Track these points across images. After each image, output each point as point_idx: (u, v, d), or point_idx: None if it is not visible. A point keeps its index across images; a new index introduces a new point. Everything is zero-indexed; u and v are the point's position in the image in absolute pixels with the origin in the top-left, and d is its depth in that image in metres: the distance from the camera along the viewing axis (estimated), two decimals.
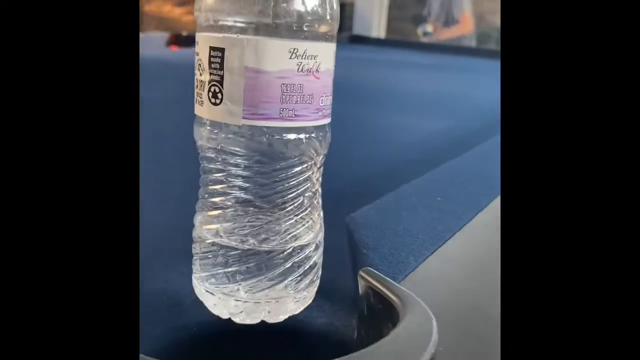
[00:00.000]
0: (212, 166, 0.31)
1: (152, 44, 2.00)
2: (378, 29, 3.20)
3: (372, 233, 0.35)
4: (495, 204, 0.41)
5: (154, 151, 0.67)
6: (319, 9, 0.29)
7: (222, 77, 0.29)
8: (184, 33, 2.34)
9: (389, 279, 0.29)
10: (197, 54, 0.30)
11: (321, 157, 0.33)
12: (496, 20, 4.20)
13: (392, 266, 0.31)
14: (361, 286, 0.30)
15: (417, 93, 1.36)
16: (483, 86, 1.55)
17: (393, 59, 2.15)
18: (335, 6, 0.30)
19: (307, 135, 0.31)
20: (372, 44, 2.67)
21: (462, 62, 2.21)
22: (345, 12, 3.48)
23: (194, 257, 0.33)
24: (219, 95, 0.29)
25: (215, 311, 0.32)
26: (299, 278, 0.32)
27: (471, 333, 0.26)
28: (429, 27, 3.06)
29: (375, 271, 0.30)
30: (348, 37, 2.73)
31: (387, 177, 0.51)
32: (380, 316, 0.28)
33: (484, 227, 0.38)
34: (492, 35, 4.27)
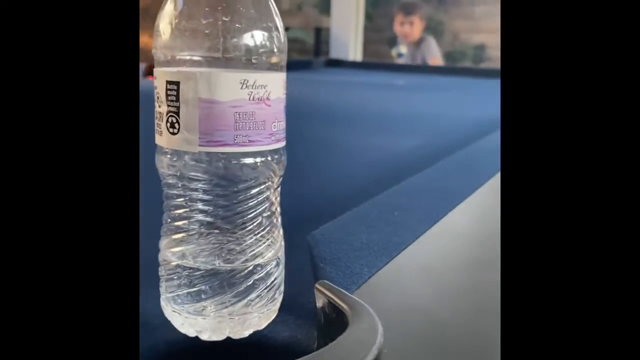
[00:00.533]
0: (174, 192, 0.33)
1: None
2: (355, 52, 3.25)
3: (330, 248, 0.37)
4: (449, 217, 0.44)
5: None
6: (267, 43, 0.32)
7: (178, 108, 0.31)
8: None
9: (342, 290, 0.31)
10: (156, 88, 0.32)
11: (278, 178, 0.35)
12: (470, 38, 4.31)
13: (346, 278, 0.33)
14: (318, 298, 0.32)
15: (387, 113, 1.39)
16: (451, 104, 1.59)
17: (367, 80, 2.20)
18: (283, 39, 0.33)
19: (262, 159, 0.33)
20: (347, 67, 2.72)
21: (434, 80, 2.26)
22: (322, 37, 3.53)
23: (161, 280, 0.35)
24: (176, 125, 0.31)
25: (183, 330, 0.34)
26: (261, 294, 0.34)
27: (417, 335, 0.27)
28: (402, 49, 3.12)
29: (330, 283, 0.32)
30: (324, 62, 2.78)
31: (355, 196, 0.54)
32: (334, 325, 0.29)
33: (437, 237, 0.40)
34: (467, 53, 4.38)
